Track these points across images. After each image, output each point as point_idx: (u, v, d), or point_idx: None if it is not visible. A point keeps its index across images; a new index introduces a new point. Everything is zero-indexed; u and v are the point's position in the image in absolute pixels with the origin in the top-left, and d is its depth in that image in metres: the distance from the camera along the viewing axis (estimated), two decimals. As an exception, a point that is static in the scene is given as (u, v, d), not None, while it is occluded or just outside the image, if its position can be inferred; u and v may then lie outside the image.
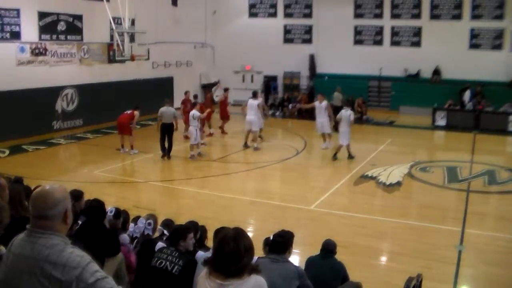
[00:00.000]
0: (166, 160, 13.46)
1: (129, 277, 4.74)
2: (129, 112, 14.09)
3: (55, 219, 2.33)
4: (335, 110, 16.34)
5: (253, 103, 14.93)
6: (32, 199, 2.37)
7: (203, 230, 5.34)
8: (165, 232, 5.14)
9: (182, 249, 4.34)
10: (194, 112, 13.38)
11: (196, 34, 23.86)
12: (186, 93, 16.58)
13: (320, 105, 14.56)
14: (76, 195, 5.29)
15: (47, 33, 16.66)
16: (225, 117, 17.37)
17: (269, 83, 24.48)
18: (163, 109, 13.50)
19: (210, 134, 16.57)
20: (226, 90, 18.12)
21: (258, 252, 4.73)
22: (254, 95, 15.50)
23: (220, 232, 2.88)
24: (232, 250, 2.66)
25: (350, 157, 13.48)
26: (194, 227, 5.05)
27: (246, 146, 14.91)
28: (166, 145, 13.49)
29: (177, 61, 22.92)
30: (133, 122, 14.08)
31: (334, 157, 13.49)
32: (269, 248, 4.59)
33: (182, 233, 4.41)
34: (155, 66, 21.57)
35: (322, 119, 14.56)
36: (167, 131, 13.40)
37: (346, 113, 13.43)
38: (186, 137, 15.30)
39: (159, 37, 20.39)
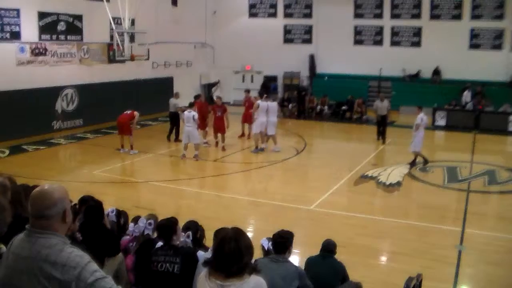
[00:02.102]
0: (172, 142, 15.57)
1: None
2: (128, 112, 14.09)
3: (54, 219, 2.33)
4: (380, 118, 16.33)
5: (264, 105, 14.48)
6: (31, 199, 2.37)
7: (201, 229, 5.34)
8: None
9: (175, 243, 4.30)
10: (194, 114, 13.21)
11: (196, 34, 23.86)
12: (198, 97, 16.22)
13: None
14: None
15: (47, 33, 16.66)
16: (249, 121, 16.08)
17: (267, 83, 24.17)
18: (170, 99, 16.12)
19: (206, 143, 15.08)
20: (248, 91, 17.41)
21: (258, 251, 4.73)
22: (262, 95, 15.56)
23: (220, 233, 2.87)
24: (233, 249, 2.66)
25: (413, 164, 12.90)
26: (194, 227, 5.04)
27: (257, 149, 14.38)
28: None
29: (177, 61, 22.91)
30: (133, 122, 14.08)
31: (425, 163, 12.91)
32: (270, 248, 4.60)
33: (170, 228, 4.36)
34: (155, 66, 21.56)
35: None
36: (171, 118, 15.91)
37: (425, 117, 13.03)
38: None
39: (159, 37, 20.37)
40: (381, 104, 16.41)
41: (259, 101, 14.74)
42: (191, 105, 13.77)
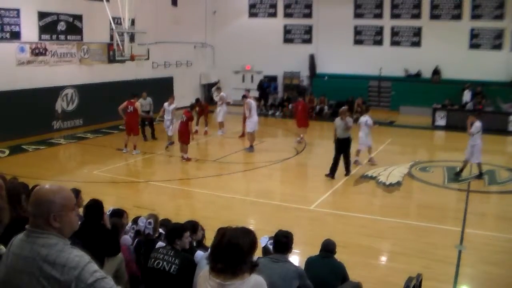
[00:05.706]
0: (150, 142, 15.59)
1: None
2: (131, 109, 13.94)
3: (50, 219, 2.30)
4: (340, 142, 11.59)
5: (254, 103, 15.04)
6: (30, 197, 2.38)
7: (201, 229, 5.35)
8: (162, 231, 5.17)
9: (178, 248, 4.32)
10: (367, 119, 12.87)
11: (196, 34, 23.87)
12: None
13: (168, 108, 14.74)
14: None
15: (47, 33, 16.66)
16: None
17: (263, 83, 23.98)
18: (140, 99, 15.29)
19: (188, 159, 13.33)
20: (247, 91, 16.58)
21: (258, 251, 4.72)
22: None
23: (223, 234, 2.83)
24: (236, 250, 2.64)
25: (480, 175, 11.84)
26: (193, 227, 5.05)
27: (251, 147, 14.59)
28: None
29: (177, 61, 22.92)
30: (138, 111, 13.98)
31: (459, 174, 11.88)
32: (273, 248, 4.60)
33: (178, 232, 4.40)
34: (155, 66, 21.57)
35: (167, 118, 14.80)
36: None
37: (479, 125, 11.59)
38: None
39: (159, 37, 20.39)
40: (340, 123, 11.58)
41: (251, 100, 15.13)
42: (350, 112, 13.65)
